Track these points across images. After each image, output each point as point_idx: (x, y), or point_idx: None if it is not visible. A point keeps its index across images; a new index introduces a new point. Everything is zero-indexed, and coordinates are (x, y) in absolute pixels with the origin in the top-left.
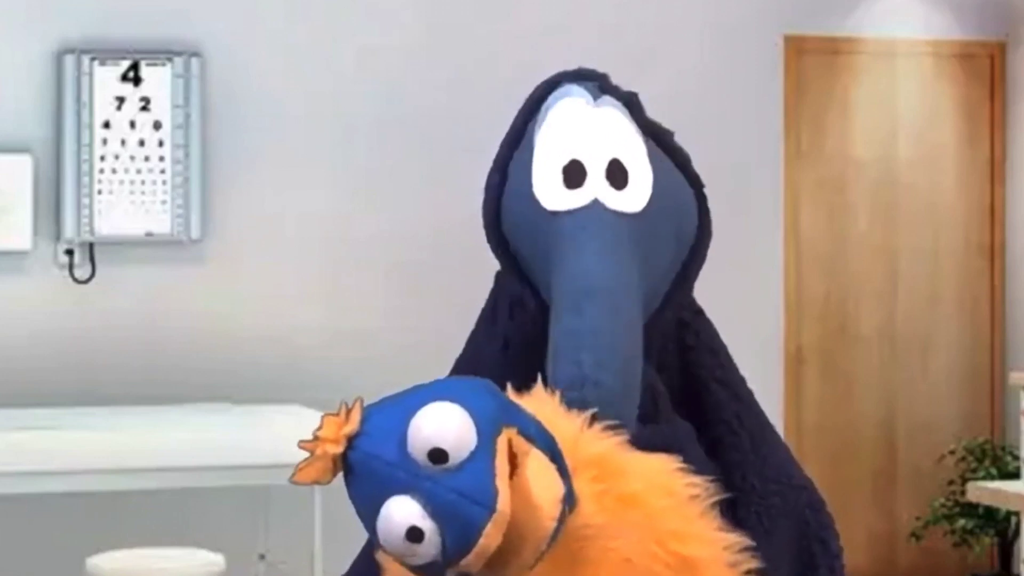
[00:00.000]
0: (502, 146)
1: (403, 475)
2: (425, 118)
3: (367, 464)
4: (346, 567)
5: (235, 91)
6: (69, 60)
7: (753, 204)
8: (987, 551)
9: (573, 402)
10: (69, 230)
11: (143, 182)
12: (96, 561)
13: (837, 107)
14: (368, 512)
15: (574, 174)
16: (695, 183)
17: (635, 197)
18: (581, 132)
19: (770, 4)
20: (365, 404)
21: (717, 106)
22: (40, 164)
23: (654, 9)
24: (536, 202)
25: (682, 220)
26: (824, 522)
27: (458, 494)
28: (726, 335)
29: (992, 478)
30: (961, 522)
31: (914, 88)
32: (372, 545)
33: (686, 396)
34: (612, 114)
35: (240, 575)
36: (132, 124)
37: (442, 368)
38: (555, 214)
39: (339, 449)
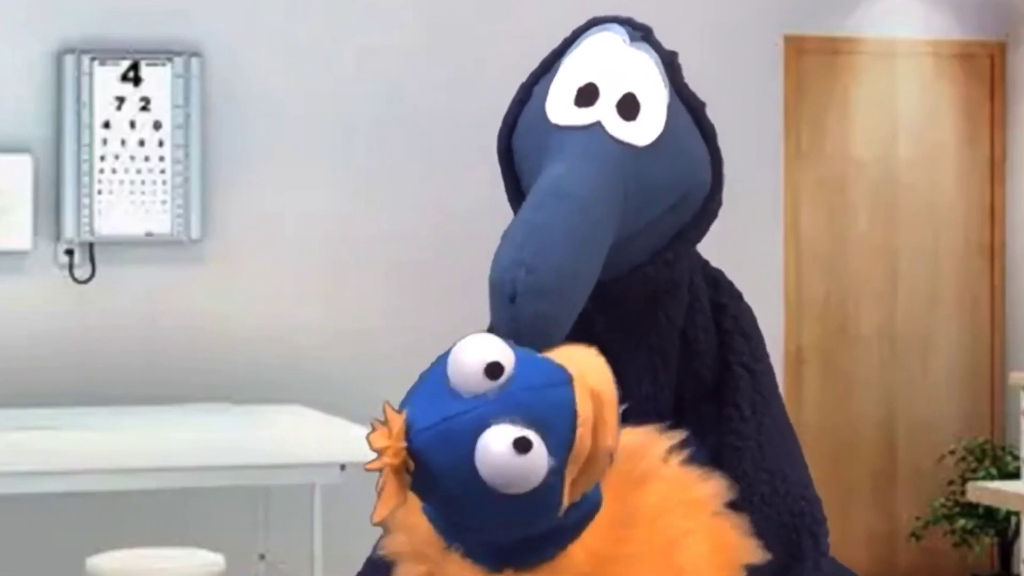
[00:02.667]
0: (533, 72)
1: (474, 412)
2: (425, 118)
3: (436, 435)
4: (346, 567)
5: (235, 91)
6: (69, 60)
7: (753, 204)
8: (987, 551)
9: (504, 283)
10: (69, 230)
11: (143, 182)
12: (96, 561)
13: (837, 107)
14: (461, 487)
15: (586, 95)
16: (715, 157)
17: (641, 132)
18: (606, 61)
19: (770, 4)
20: (385, 405)
21: (717, 106)
22: (40, 164)
23: (654, 9)
24: (544, 115)
25: (690, 181)
26: (818, 518)
27: (532, 388)
28: None
29: (992, 478)
30: (961, 522)
31: (914, 88)
32: (373, 564)
33: (717, 383)
34: (643, 57)
35: (240, 575)
36: (132, 124)
37: None
38: (557, 127)
39: (402, 445)
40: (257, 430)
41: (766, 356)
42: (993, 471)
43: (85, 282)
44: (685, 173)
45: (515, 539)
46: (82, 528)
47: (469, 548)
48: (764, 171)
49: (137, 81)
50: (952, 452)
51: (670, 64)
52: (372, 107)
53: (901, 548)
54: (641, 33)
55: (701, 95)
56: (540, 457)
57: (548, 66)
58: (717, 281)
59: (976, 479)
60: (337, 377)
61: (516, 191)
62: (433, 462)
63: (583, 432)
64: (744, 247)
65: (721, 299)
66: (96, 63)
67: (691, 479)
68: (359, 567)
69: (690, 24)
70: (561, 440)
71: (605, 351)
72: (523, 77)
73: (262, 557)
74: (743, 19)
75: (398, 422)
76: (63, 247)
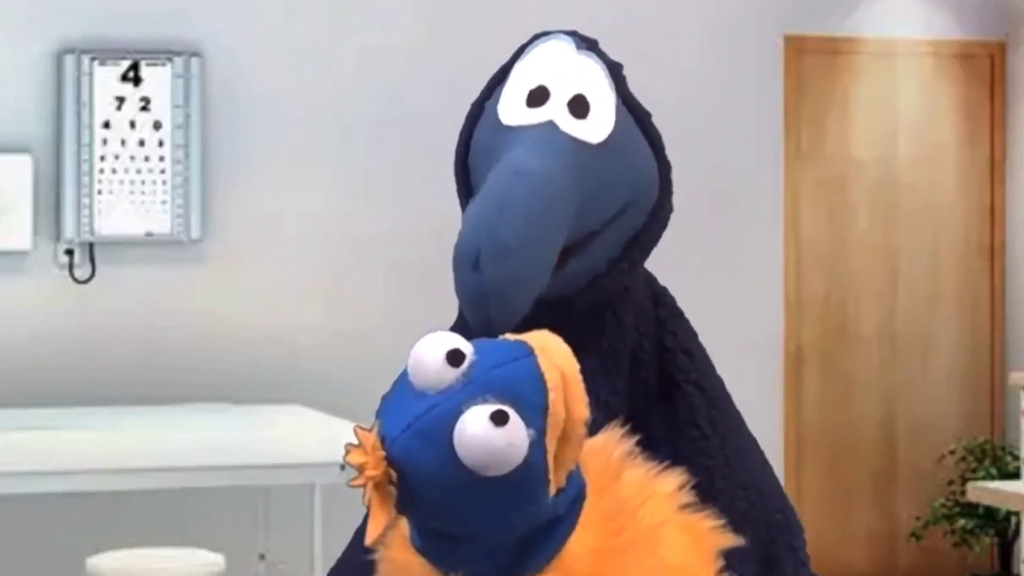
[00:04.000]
0: (483, 89)
1: (445, 404)
2: (425, 118)
3: (410, 437)
4: None
5: (235, 91)
6: (69, 60)
7: (753, 204)
8: (987, 551)
9: (468, 250)
10: (69, 230)
11: (143, 182)
12: (96, 561)
13: (837, 107)
14: (446, 485)
15: (537, 96)
16: (663, 165)
17: (592, 130)
18: (555, 65)
19: (770, 4)
20: (355, 428)
21: (717, 106)
22: (40, 164)
23: (654, 9)
24: (497, 120)
25: (639, 185)
26: (795, 529)
27: (496, 366)
28: (726, 335)
29: (992, 478)
30: (961, 522)
31: (914, 88)
32: (356, 550)
33: (662, 397)
34: (591, 63)
35: (240, 575)
36: (132, 124)
37: None
38: (509, 128)
39: (380, 455)
40: (257, 430)
41: (712, 370)
42: (993, 471)
43: (85, 282)
44: (634, 176)
45: (512, 540)
46: (82, 528)
47: (469, 571)
48: (764, 171)
49: (137, 81)
50: (952, 452)
51: (616, 73)
52: (372, 107)
53: (901, 548)
54: (587, 43)
55: (701, 95)
56: (519, 428)
57: (498, 80)
58: (659, 296)
59: (976, 479)
60: (337, 377)
61: (468, 196)
62: (414, 465)
63: (555, 397)
64: (744, 247)
65: (661, 314)
66: (96, 63)
67: (654, 475)
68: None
69: (690, 24)
70: (535, 409)
71: None
72: None
73: (262, 557)
74: (743, 19)
75: (370, 438)
76: (63, 247)
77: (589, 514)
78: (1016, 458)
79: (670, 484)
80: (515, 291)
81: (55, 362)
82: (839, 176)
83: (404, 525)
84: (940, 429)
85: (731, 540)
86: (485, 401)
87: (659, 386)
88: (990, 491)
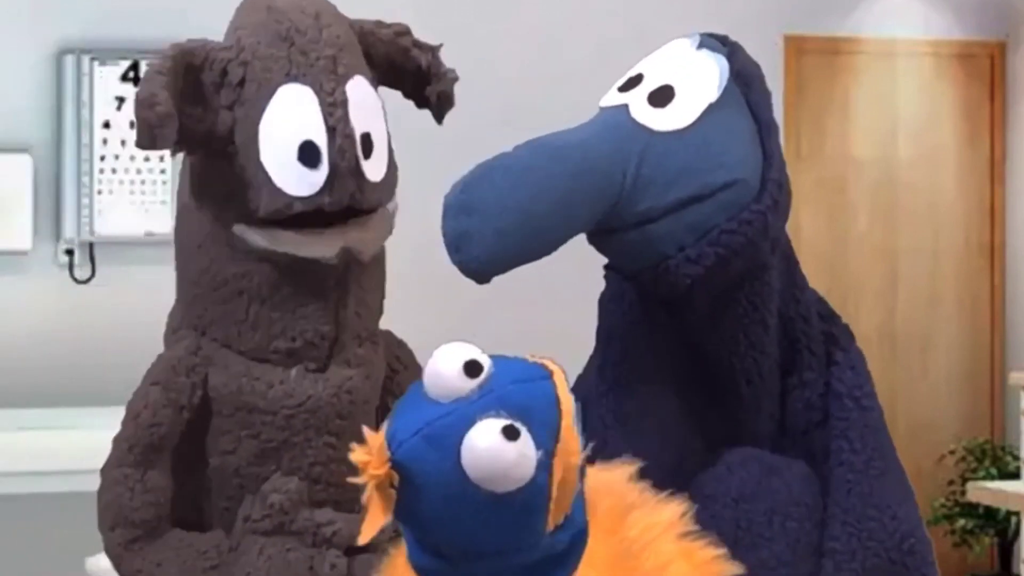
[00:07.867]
0: None
1: (458, 413)
2: (425, 118)
3: (418, 441)
4: None
5: None
6: (69, 60)
7: None
8: (987, 551)
9: (447, 198)
10: (69, 230)
11: (143, 182)
12: (96, 561)
13: (837, 107)
14: (448, 495)
15: (631, 82)
16: (770, 177)
17: (664, 119)
18: (664, 58)
19: (770, 4)
20: (364, 428)
21: None
22: (40, 164)
23: (654, 9)
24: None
25: (713, 179)
26: (928, 559)
27: (513, 383)
28: None
29: (992, 478)
30: (961, 522)
31: (914, 88)
32: None
33: (827, 411)
34: (705, 60)
35: None
36: (132, 124)
37: None
38: (601, 108)
39: (385, 456)
40: None
41: (876, 397)
42: (993, 471)
43: (85, 282)
44: (709, 169)
45: (511, 568)
46: (82, 528)
47: None
48: None
49: (137, 81)
50: (952, 452)
51: (740, 75)
52: None
53: None
54: (718, 44)
55: None
56: (529, 446)
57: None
58: (833, 316)
59: (976, 479)
60: None
61: None
62: (418, 470)
63: (568, 424)
64: None
65: (832, 330)
66: (96, 63)
67: (657, 504)
68: None
69: (690, 24)
70: (547, 431)
71: (694, 349)
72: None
73: None
74: (743, 19)
75: (377, 438)
76: (63, 247)
77: (597, 554)
78: (1016, 458)
79: (671, 513)
80: (471, 246)
81: (55, 362)
82: (839, 176)
83: (404, 547)
84: (940, 429)
85: (734, 568)
86: (498, 415)
87: (823, 397)
88: (990, 491)
